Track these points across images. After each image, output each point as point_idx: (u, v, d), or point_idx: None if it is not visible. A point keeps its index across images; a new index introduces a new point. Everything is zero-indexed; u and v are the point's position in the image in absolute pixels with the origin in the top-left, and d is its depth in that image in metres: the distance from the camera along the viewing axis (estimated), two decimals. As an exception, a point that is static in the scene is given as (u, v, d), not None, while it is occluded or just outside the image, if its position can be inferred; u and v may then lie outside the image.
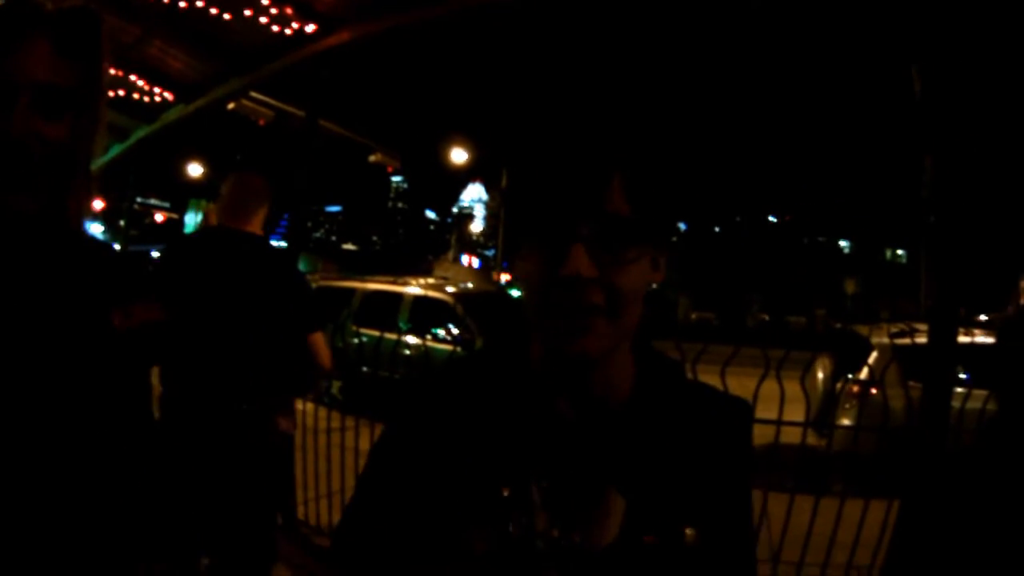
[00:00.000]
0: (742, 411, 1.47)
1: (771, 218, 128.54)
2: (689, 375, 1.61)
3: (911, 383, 5.46)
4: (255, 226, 4.10)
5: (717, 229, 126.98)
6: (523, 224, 1.24)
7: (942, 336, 4.14)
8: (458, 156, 32.99)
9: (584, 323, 1.17)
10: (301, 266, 7.16)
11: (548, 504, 1.21)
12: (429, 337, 12.30)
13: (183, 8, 6.71)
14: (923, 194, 4.11)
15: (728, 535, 1.38)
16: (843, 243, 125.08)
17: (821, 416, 9.25)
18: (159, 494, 1.75)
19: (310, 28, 6.61)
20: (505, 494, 1.21)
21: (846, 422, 8.19)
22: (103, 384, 1.59)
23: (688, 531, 1.25)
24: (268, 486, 4.07)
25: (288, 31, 6.68)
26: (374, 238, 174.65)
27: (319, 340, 4.20)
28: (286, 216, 8.24)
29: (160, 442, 1.89)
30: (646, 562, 1.22)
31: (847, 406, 8.53)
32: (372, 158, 17.68)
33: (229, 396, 3.79)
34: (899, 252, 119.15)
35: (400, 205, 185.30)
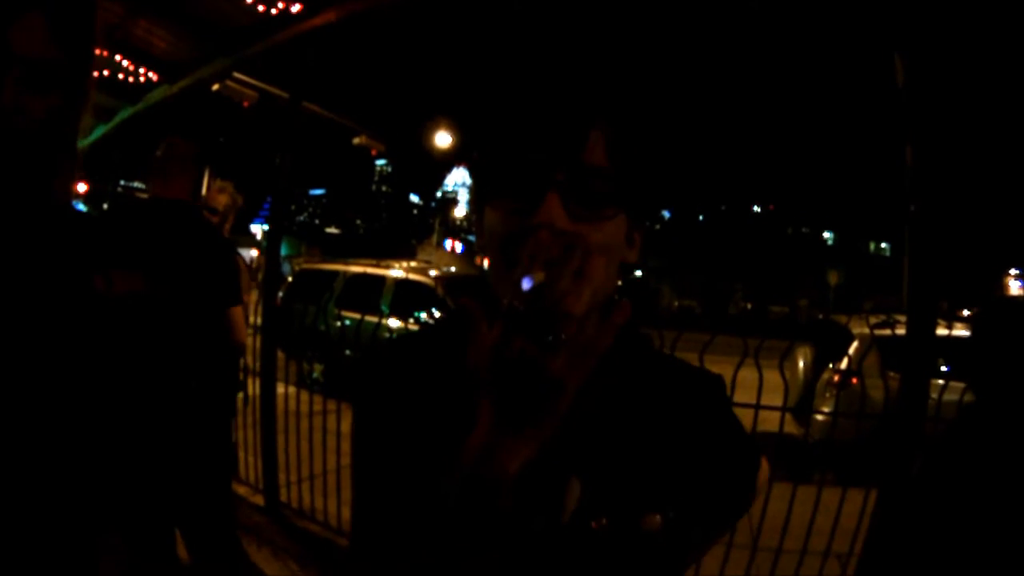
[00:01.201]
0: (715, 384, 1.45)
1: (755, 208, 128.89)
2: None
3: (891, 374, 5.50)
4: (183, 192, 3.99)
5: (701, 217, 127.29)
6: (495, 172, 1.20)
7: (921, 326, 4.16)
8: (442, 140, 32.84)
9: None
10: (284, 249, 7.13)
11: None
12: (411, 320, 12.30)
13: None
14: (904, 184, 4.10)
15: (707, 517, 1.38)
16: (827, 234, 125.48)
17: (801, 405, 9.33)
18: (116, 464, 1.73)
19: (296, 8, 6.57)
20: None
21: (825, 410, 8.24)
22: (79, 348, 1.60)
23: (652, 517, 1.21)
24: (218, 455, 4.09)
25: (274, 11, 6.65)
26: (358, 222, 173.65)
27: (237, 314, 4.13)
28: (268, 199, 8.20)
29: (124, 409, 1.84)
30: (593, 548, 1.18)
31: (827, 395, 8.61)
32: (356, 141, 17.54)
33: (176, 372, 3.73)
34: (883, 245, 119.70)
35: (384, 189, 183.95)
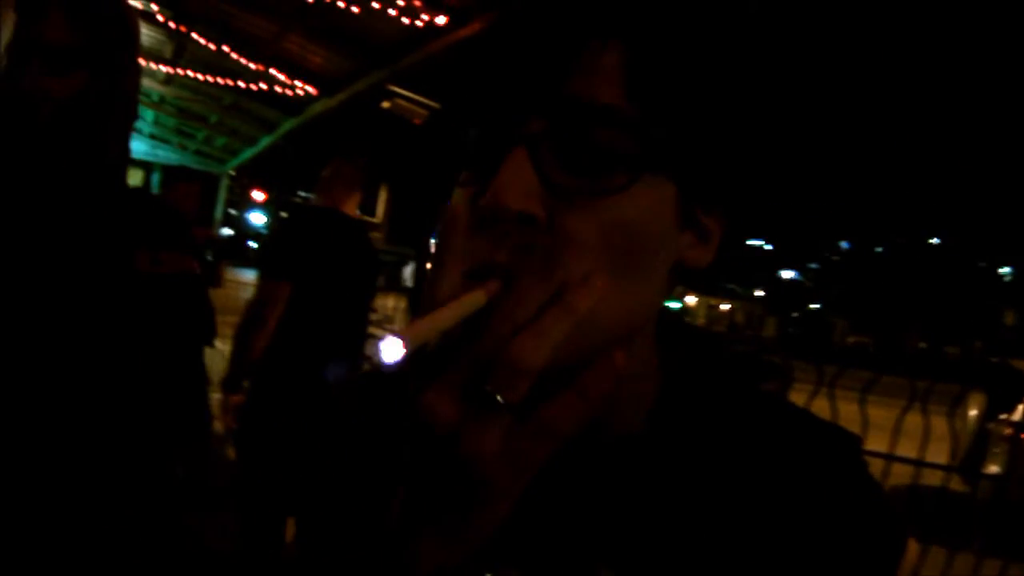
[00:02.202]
0: (844, 448, 0.86)
1: (935, 240, 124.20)
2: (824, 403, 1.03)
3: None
4: (349, 208, 4.20)
5: (879, 250, 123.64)
6: (459, 135, 0.76)
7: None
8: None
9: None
10: None
11: (533, 567, 0.75)
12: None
13: (311, 2, 6.93)
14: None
15: None
16: (1004, 270, 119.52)
17: (968, 459, 8.62)
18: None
19: (440, 20, 6.62)
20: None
21: (994, 469, 7.56)
22: (115, 316, 1.62)
23: None
24: None
25: (419, 23, 6.70)
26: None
27: None
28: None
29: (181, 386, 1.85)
30: None
31: (996, 450, 7.90)
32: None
33: (325, 367, 3.87)
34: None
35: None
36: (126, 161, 1.79)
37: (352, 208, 4.24)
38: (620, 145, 0.65)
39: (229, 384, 3.87)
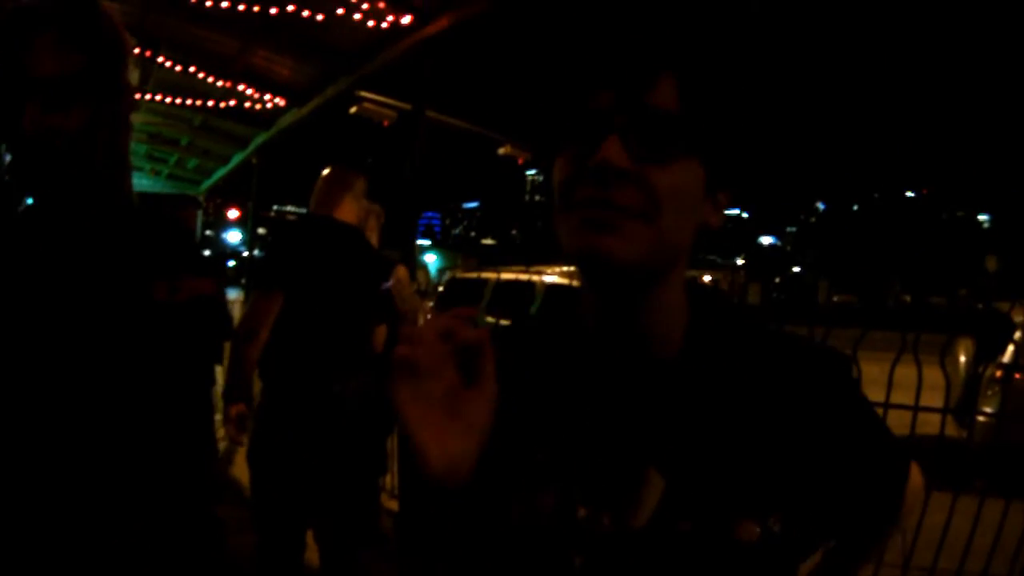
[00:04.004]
0: (837, 365, 1.18)
1: (909, 193, 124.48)
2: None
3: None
4: (344, 214, 4.18)
5: (855, 208, 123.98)
6: (558, 122, 1.09)
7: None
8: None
9: (610, 219, 1.00)
10: (439, 262, 7.26)
11: (580, 477, 1.06)
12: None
13: (274, 15, 6.88)
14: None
15: (829, 534, 1.17)
16: (982, 217, 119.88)
17: (962, 404, 8.71)
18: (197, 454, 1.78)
19: (406, 20, 6.64)
20: (539, 459, 1.07)
21: (988, 410, 7.65)
22: (134, 349, 1.59)
23: (748, 525, 1.02)
24: (365, 457, 4.19)
25: (384, 24, 6.72)
26: (513, 232, 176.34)
27: (381, 330, 4.41)
28: (424, 214, 8.47)
29: (204, 410, 1.85)
30: (672, 557, 1.02)
31: (989, 393, 7.99)
32: (502, 151, 17.69)
33: (329, 375, 3.91)
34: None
35: (537, 198, 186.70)
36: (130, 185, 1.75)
37: (350, 214, 4.22)
38: (672, 134, 1.01)
39: (228, 395, 3.88)
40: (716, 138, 1.06)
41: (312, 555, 4.14)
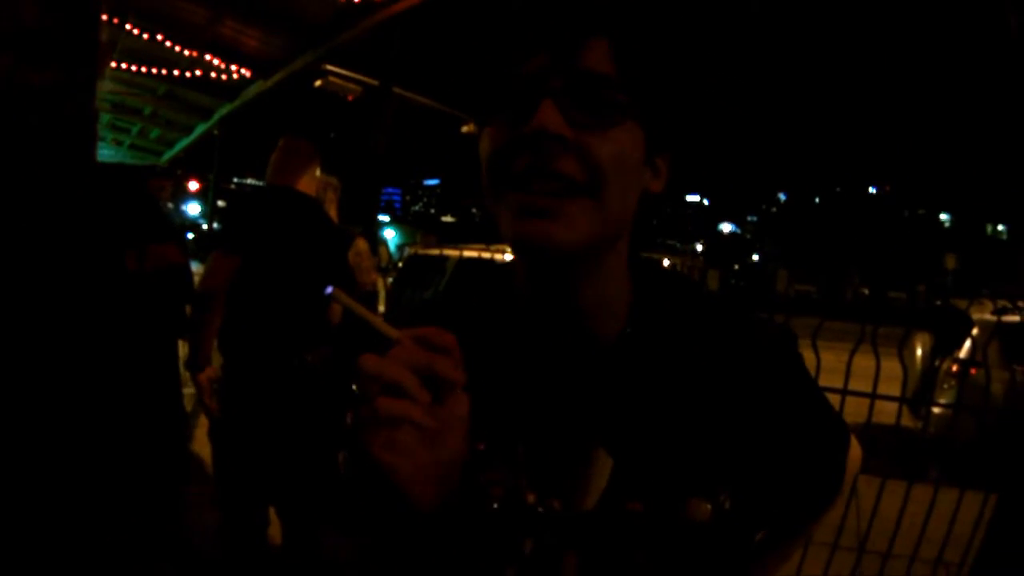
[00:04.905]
0: (781, 340, 1.16)
1: (871, 189, 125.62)
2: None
3: (1016, 366, 5.10)
4: (303, 186, 4.17)
5: (817, 200, 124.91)
6: (487, 89, 1.03)
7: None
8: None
9: (551, 199, 0.95)
10: (397, 238, 7.25)
11: (526, 463, 1.02)
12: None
13: None
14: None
15: (777, 510, 1.15)
16: (943, 216, 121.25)
17: (918, 396, 8.85)
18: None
19: None
20: (480, 449, 1.00)
21: (943, 403, 7.77)
22: (109, 321, 1.58)
23: (700, 503, 0.99)
24: (325, 432, 4.11)
25: (355, 0, 6.60)
26: (473, 210, 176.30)
27: (341, 296, 4.29)
28: (384, 190, 8.44)
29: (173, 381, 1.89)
30: (632, 534, 0.99)
31: (945, 386, 8.12)
32: (465, 129, 17.64)
33: (289, 348, 3.90)
34: (999, 227, 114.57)
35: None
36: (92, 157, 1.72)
37: (308, 186, 4.20)
38: (610, 98, 0.97)
39: (192, 363, 3.82)
40: (654, 99, 1.02)
41: (274, 530, 4.12)
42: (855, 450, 1.27)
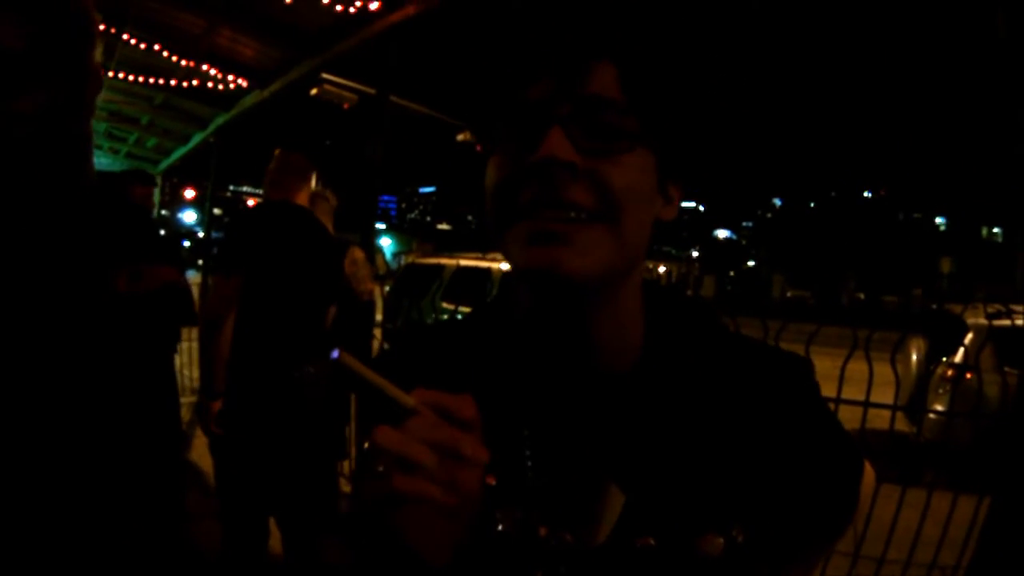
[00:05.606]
0: (799, 370, 1.13)
1: (866, 193, 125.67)
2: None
3: (1008, 369, 5.12)
4: (300, 198, 4.19)
5: (812, 205, 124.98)
6: (494, 117, 1.01)
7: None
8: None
9: (560, 225, 0.91)
10: (393, 246, 7.26)
11: (538, 496, 0.99)
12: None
13: None
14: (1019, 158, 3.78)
15: (789, 542, 1.11)
16: (939, 220, 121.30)
17: (913, 402, 8.87)
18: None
19: (374, 5, 6.61)
20: (491, 483, 0.97)
21: (939, 408, 7.80)
22: (95, 343, 1.51)
23: (712, 538, 0.98)
24: (325, 443, 4.24)
25: (352, 9, 6.69)
26: (469, 217, 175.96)
27: (331, 310, 4.36)
28: (381, 199, 8.45)
29: (171, 405, 1.78)
30: (644, 569, 0.97)
31: (940, 391, 8.14)
32: (460, 137, 17.65)
33: (289, 360, 3.89)
34: (995, 230, 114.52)
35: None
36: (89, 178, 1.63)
37: (305, 199, 4.22)
38: (619, 124, 0.94)
39: (209, 391, 3.84)
40: (665, 125, 0.99)
41: (274, 542, 4.13)
42: (868, 475, 1.25)
